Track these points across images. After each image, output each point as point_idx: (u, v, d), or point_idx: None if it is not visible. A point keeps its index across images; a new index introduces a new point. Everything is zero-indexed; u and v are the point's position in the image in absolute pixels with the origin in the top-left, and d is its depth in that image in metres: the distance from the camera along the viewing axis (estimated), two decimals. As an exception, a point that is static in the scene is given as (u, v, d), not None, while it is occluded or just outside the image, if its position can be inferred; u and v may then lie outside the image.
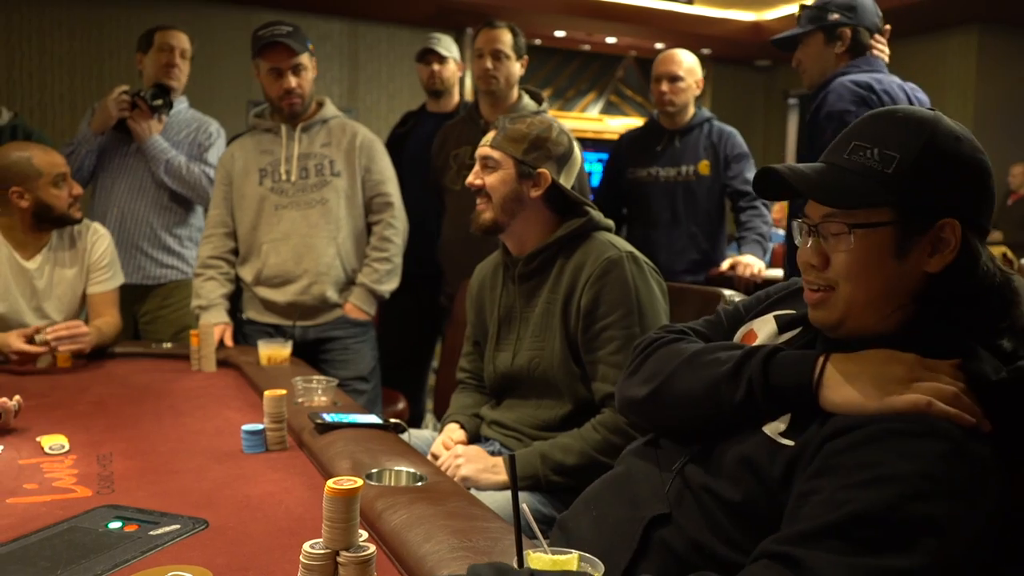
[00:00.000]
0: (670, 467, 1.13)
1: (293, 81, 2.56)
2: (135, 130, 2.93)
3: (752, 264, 3.05)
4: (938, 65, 7.79)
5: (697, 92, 3.26)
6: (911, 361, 0.96)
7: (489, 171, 1.80)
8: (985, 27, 7.49)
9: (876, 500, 0.85)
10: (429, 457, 1.78)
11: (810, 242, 1.06)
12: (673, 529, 1.07)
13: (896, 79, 2.45)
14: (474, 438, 1.85)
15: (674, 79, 3.21)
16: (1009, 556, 0.92)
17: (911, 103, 2.41)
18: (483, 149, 1.82)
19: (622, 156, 3.37)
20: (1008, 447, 0.92)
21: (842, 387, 0.97)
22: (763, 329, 1.19)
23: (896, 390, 0.94)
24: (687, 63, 3.22)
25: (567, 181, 1.82)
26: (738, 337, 1.23)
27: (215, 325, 2.48)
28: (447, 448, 1.77)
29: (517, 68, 2.92)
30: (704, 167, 3.20)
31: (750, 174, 3.16)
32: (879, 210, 0.99)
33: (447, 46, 3.38)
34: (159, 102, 2.93)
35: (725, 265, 3.14)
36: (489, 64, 2.87)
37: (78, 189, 2.46)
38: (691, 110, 3.27)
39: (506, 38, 2.90)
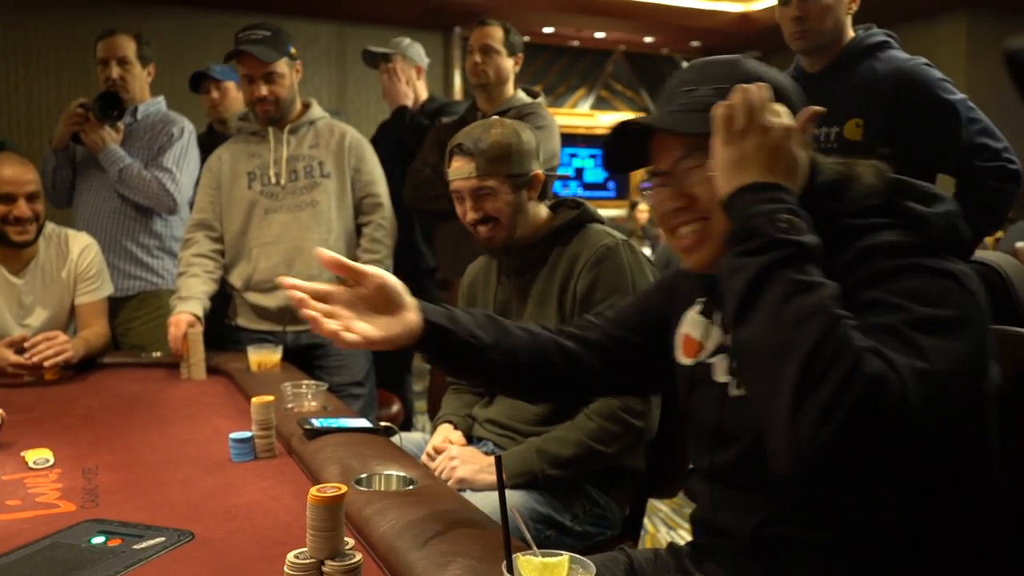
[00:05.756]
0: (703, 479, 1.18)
1: (264, 89, 2.53)
2: (87, 142, 2.88)
3: None
4: (927, 52, 7.69)
5: None
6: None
7: (486, 198, 1.77)
8: (974, 13, 7.48)
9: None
10: (424, 458, 1.76)
11: (663, 192, 1.10)
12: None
13: None
14: (467, 438, 1.83)
15: None
16: None
17: None
18: (470, 182, 1.76)
19: None
20: None
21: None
22: (695, 330, 1.19)
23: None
24: None
25: (543, 164, 1.83)
26: (679, 348, 1.22)
27: (180, 313, 2.40)
28: (441, 450, 1.74)
29: (509, 64, 2.94)
30: None
31: None
32: None
33: (403, 51, 3.36)
34: (112, 111, 2.85)
35: None
36: (478, 58, 2.91)
37: (23, 210, 2.33)
38: None
39: (496, 34, 2.93)
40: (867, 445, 0.80)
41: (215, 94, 3.46)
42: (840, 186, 1.01)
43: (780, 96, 1.03)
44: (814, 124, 1.03)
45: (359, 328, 1.07)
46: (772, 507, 1.04)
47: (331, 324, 1.05)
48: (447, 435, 1.80)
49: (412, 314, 1.13)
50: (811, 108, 1.02)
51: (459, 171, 1.78)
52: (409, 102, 3.35)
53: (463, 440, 1.80)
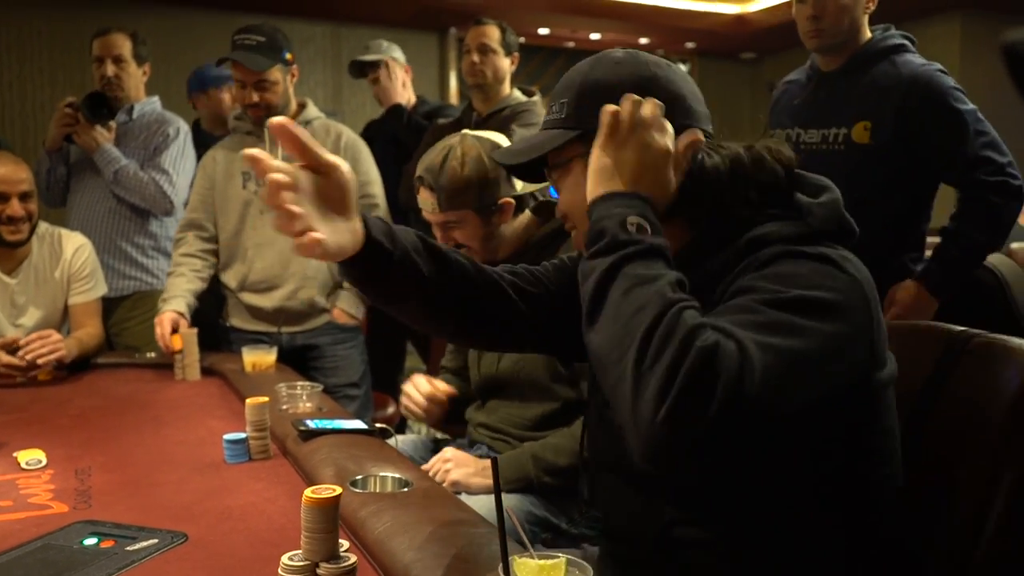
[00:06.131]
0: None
1: (255, 96, 2.52)
2: (80, 143, 2.86)
3: None
4: (921, 52, 7.77)
5: None
6: None
7: (453, 229, 1.76)
8: (967, 14, 7.50)
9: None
10: (403, 398, 1.82)
11: None
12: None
13: None
14: (453, 415, 1.85)
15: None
16: None
17: None
18: (436, 216, 1.76)
19: None
20: None
21: None
22: None
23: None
24: None
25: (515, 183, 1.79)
26: None
27: (164, 312, 2.38)
28: (432, 398, 1.79)
29: (506, 63, 2.96)
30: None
31: None
32: (571, 148, 1.07)
33: (386, 53, 3.38)
34: (102, 111, 2.84)
35: None
36: (475, 58, 2.93)
37: (16, 210, 2.31)
38: None
39: (493, 33, 2.95)
40: (712, 420, 0.76)
41: (226, 95, 3.42)
42: (740, 172, 1.01)
43: (668, 94, 1.02)
44: (695, 148, 1.01)
45: (320, 233, 0.88)
46: (675, 506, 1.01)
47: (311, 232, 0.87)
48: (431, 381, 1.82)
49: (357, 223, 0.95)
50: (693, 135, 1.01)
51: (424, 203, 1.77)
52: (404, 100, 3.35)
53: (449, 389, 1.83)
